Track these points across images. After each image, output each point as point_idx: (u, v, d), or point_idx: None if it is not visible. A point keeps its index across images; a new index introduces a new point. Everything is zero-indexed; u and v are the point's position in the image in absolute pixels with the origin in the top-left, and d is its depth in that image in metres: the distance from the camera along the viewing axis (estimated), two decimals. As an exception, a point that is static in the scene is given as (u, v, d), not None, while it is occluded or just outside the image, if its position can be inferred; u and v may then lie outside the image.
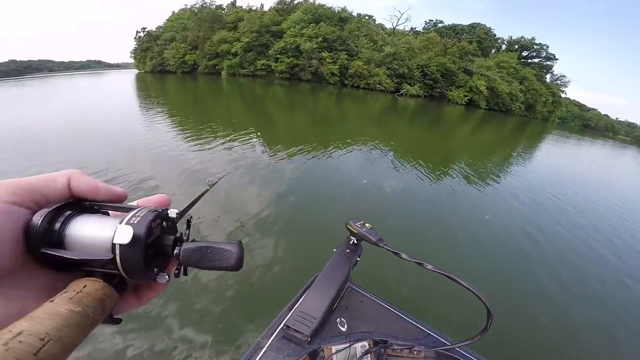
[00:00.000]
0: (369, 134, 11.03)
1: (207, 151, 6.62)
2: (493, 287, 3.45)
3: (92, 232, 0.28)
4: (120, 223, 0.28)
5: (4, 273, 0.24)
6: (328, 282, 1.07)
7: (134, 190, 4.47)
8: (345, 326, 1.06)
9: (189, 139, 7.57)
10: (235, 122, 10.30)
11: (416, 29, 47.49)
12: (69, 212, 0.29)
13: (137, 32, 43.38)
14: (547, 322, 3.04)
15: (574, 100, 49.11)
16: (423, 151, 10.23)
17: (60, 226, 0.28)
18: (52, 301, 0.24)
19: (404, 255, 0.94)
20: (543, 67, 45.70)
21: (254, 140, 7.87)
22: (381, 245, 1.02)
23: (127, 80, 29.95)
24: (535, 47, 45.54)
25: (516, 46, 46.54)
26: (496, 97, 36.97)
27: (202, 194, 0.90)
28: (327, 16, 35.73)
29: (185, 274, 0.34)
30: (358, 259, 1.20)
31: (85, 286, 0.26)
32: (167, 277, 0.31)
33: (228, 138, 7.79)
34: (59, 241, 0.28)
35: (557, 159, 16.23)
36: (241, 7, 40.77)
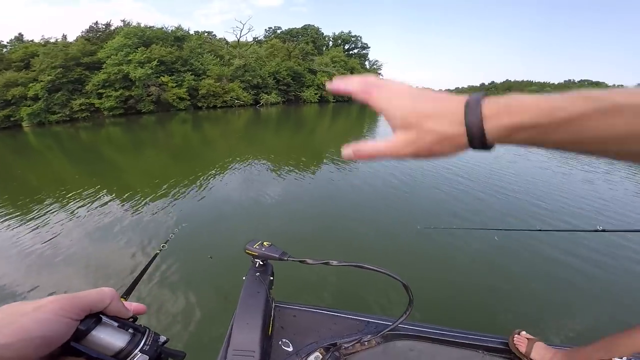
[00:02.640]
0: (240, 152, 9.91)
1: (43, 232, 4.58)
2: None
3: (109, 340, 0.36)
4: (138, 348, 0.36)
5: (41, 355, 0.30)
6: (249, 311, 0.95)
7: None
8: (290, 346, 0.99)
9: (16, 225, 4.92)
10: (68, 185, 7.05)
11: (259, 38, 46.24)
12: (94, 322, 0.36)
13: None
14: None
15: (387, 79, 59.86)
16: (297, 153, 9.81)
17: (88, 331, 0.35)
18: None
19: (309, 261, 0.90)
20: (362, 56, 53.00)
21: (105, 197, 5.96)
22: (285, 258, 0.97)
23: None
24: (352, 39, 51.88)
25: (339, 41, 51.86)
26: (338, 89, 40.34)
27: (152, 259, 0.93)
28: (158, 37, 29.75)
29: None
30: (271, 278, 1.08)
31: None
32: None
33: (68, 206, 5.57)
34: (80, 338, 0.34)
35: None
36: (32, 41, 29.15)
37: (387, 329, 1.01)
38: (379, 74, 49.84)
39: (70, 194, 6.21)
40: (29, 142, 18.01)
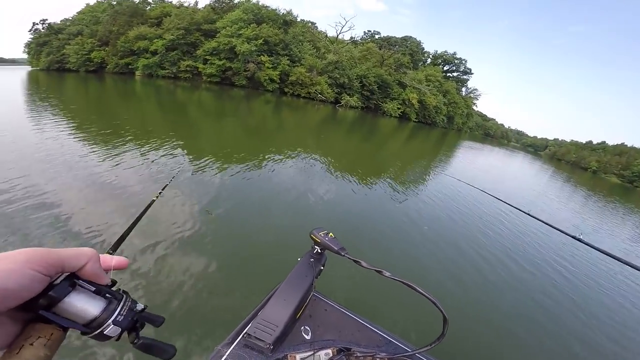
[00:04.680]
0: (306, 145, 9.41)
1: (125, 166, 4.78)
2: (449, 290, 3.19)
3: (82, 307, 0.32)
4: (111, 318, 0.33)
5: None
6: (291, 290, 0.96)
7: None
8: (310, 334, 0.98)
9: (96, 151, 5.37)
10: (151, 130, 7.79)
11: (355, 39, 43.58)
12: (68, 286, 0.31)
13: (34, 23, 30.83)
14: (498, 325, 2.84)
15: (478, 111, 50.76)
16: (360, 163, 8.92)
17: (60, 298, 0.31)
18: (32, 344, 0.28)
19: (364, 264, 0.88)
20: (460, 81, 46.01)
21: (178, 150, 6.14)
22: (343, 254, 0.95)
23: (11, 79, 20.10)
24: (455, 61, 45.29)
25: (439, 60, 45.80)
26: (424, 110, 35.46)
27: (148, 206, 0.82)
28: (270, 18, 29.45)
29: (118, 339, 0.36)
30: (322, 268, 1.09)
31: (52, 334, 0.30)
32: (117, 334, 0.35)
33: (144, 148, 5.93)
34: (52, 305, 0.30)
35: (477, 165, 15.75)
36: (170, 2, 31.52)
37: (404, 354, 0.94)
38: (474, 104, 42.71)
39: (149, 139, 6.50)
40: (134, 88, 19.13)
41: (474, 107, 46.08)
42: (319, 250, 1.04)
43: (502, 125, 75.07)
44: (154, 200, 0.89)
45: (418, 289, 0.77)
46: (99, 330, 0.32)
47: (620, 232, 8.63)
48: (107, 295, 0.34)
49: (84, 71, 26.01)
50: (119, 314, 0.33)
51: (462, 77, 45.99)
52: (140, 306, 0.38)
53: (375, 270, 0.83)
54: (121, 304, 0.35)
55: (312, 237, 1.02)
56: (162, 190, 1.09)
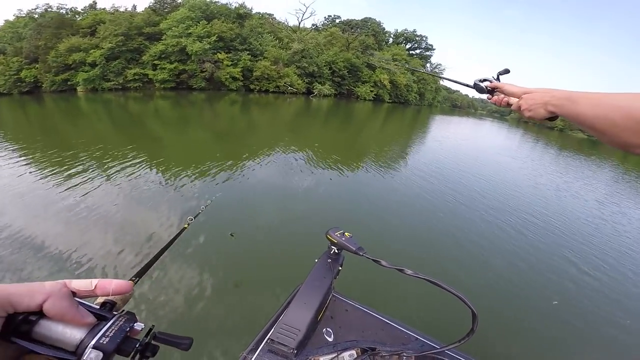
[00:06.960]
0: (283, 143, 8.60)
1: (89, 192, 4.32)
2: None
3: (62, 332, 0.27)
4: (92, 340, 0.27)
5: None
6: (311, 293, 0.92)
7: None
8: (332, 336, 0.95)
9: (57, 180, 4.71)
10: (113, 151, 6.46)
11: (317, 26, 41.24)
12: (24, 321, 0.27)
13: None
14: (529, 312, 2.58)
15: (443, 85, 50.78)
16: (342, 153, 8.11)
17: (29, 323, 0.27)
18: None
19: (383, 263, 0.84)
20: (424, 58, 45.36)
21: (140, 167, 5.36)
22: (361, 253, 0.91)
23: None
24: (417, 38, 44.43)
25: (401, 38, 44.73)
26: (396, 90, 34.27)
27: (179, 234, 0.76)
28: (222, 13, 26.32)
29: None
30: (340, 268, 1.04)
31: None
32: None
33: (108, 171, 5.23)
34: (27, 332, 0.27)
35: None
36: (104, 9, 27.17)
37: (432, 351, 0.88)
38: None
39: (108, 160, 5.81)
40: (79, 107, 16.11)
41: (440, 82, 45.75)
42: (336, 251, 0.99)
43: (466, 95, 76.45)
44: (185, 228, 0.81)
45: (444, 285, 0.72)
46: (83, 357, 0.27)
47: None
48: (98, 315, 0.30)
49: (18, 93, 21.81)
50: (103, 335, 0.28)
51: (424, 54, 45.30)
52: (139, 326, 0.31)
53: (396, 269, 0.78)
54: (108, 324, 0.29)
55: (328, 238, 0.96)
56: (194, 217, 1.00)
